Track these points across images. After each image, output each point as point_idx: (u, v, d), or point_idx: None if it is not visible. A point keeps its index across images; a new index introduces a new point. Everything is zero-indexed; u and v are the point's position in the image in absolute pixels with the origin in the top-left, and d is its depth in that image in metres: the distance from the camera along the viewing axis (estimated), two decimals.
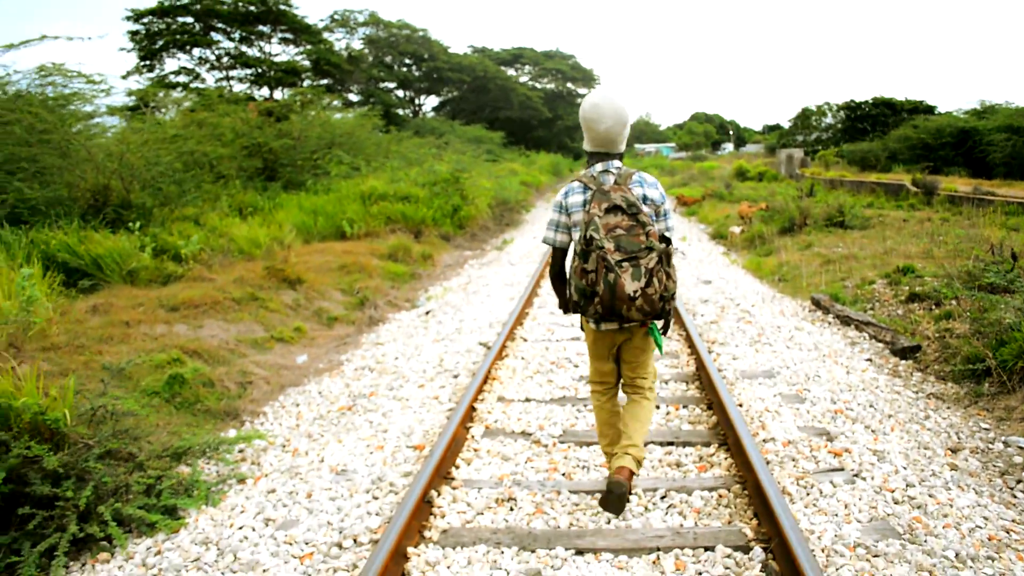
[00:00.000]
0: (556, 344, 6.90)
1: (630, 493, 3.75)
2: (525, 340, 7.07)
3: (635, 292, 3.25)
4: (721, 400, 4.79)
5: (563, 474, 4.22)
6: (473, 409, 5.14)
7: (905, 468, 4.17)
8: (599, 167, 3.57)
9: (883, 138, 37.90)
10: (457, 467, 4.31)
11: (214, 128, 16.59)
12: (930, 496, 3.85)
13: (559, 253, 3.71)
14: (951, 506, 3.79)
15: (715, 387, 5.05)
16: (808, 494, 3.79)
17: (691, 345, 6.43)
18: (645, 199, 3.49)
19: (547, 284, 10.13)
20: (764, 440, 4.44)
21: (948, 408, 5.88)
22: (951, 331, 7.47)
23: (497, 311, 8.36)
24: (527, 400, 5.39)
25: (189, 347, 7.27)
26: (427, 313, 9.10)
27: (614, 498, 3.52)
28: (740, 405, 5.06)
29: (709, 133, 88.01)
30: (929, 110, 42.89)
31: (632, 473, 3.60)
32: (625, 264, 3.26)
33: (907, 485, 3.93)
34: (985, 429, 5.47)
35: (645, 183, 3.53)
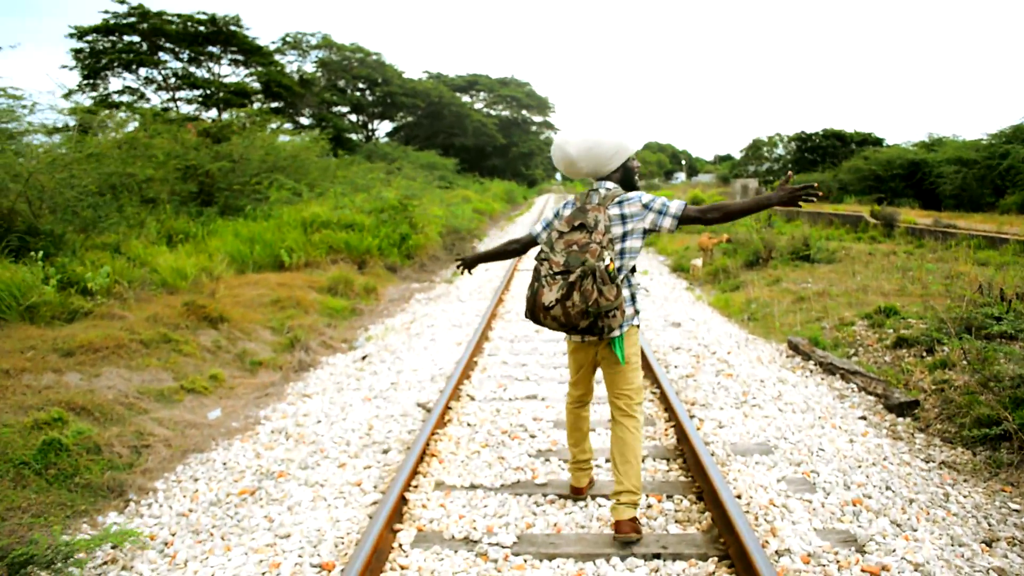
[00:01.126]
0: (509, 405, 5.78)
1: (638, 537, 3.67)
2: (472, 399, 5.94)
3: (551, 303, 3.39)
4: (715, 490, 3.76)
5: None
6: (404, 501, 4.01)
7: None
8: (595, 186, 3.67)
9: (834, 169, 37.74)
10: None
11: (146, 148, 15.30)
12: None
13: (531, 241, 3.94)
14: None
15: (705, 471, 4.02)
16: None
17: (668, 407, 5.39)
18: (624, 218, 3.54)
19: (499, 326, 9.05)
20: (777, 552, 3.39)
21: (966, 481, 4.94)
22: (949, 383, 6.58)
23: (441, 359, 7.25)
24: (472, 487, 4.26)
25: (77, 402, 6.06)
26: (363, 358, 7.96)
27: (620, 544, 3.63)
28: (738, 497, 4.01)
29: (662, 162, 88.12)
30: (878, 142, 42.98)
31: (633, 522, 3.65)
32: (558, 277, 3.39)
33: None
34: (1015, 511, 4.53)
35: (626, 202, 3.56)
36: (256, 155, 17.40)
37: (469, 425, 5.25)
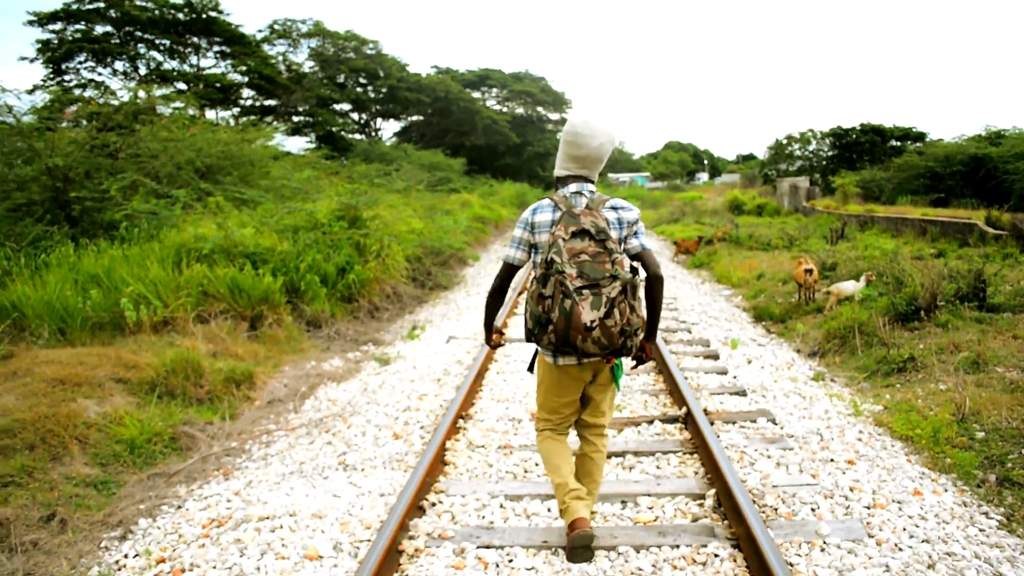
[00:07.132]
0: None
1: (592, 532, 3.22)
2: None
3: (592, 322, 2.81)
4: None
5: None
6: None
7: None
8: (572, 187, 3.11)
9: (881, 166, 31.76)
10: None
11: None
12: None
13: (510, 270, 3.18)
14: None
15: None
16: None
17: None
18: (620, 222, 3.06)
19: None
20: None
21: None
22: None
23: None
24: None
25: None
26: None
27: (581, 549, 3.21)
28: None
29: (684, 162, 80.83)
30: (920, 137, 36.96)
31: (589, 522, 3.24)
32: (585, 292, 2.83)
33: None
34: None
35: (619, 206, 3.09)
36: (154, 148, 11.62)
37: None
